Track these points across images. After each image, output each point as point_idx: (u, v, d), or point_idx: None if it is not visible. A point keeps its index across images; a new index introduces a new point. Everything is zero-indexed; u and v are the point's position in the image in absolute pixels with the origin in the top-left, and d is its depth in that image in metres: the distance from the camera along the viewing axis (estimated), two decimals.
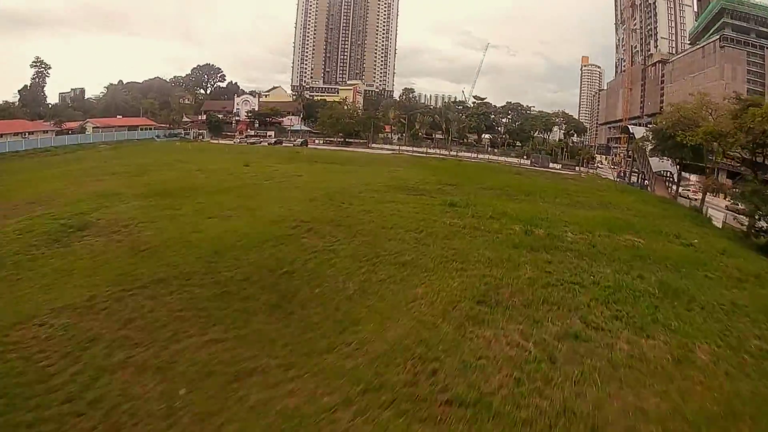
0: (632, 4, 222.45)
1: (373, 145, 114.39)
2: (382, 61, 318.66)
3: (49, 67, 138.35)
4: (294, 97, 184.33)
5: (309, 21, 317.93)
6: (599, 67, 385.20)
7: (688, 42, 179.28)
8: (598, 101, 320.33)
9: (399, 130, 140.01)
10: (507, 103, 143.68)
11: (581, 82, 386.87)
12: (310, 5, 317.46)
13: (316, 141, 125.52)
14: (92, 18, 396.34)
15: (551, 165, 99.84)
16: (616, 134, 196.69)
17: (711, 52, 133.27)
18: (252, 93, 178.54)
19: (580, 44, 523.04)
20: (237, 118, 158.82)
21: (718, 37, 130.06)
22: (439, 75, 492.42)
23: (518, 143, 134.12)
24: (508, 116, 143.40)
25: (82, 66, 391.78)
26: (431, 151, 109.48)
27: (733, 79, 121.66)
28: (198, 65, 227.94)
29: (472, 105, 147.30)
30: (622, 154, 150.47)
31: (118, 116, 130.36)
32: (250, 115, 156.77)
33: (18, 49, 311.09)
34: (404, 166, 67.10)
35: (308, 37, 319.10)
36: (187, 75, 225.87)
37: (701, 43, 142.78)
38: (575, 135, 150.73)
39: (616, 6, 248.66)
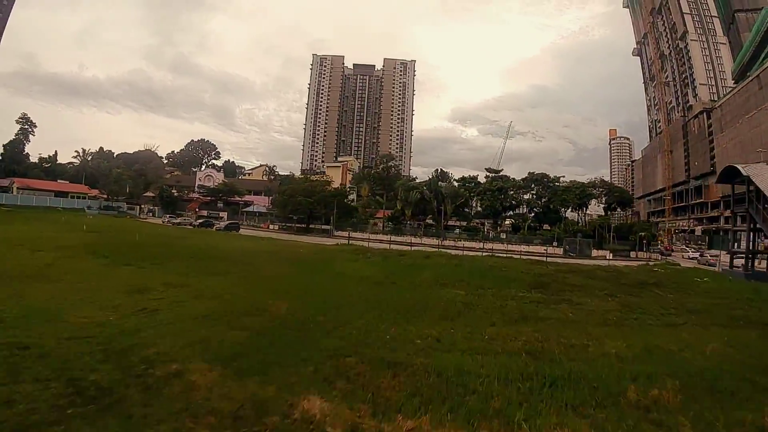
0: (660, 54, 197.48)
1: (339, 233, 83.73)
2: (397, 144, 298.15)
3: (35, 126, 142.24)
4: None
5: (321, 102, 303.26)
6: (628, 139, 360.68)
7: (732, 82, 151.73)
8: (632, 174, 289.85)
9: (373, 211, 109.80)
10: (529, 174, 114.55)
11: (611, 157, 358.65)
12: (322, 87, 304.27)
13: (273, 226, 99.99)
14: (136, 95, 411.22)
15: (593, 252, 69.46)
16: (658, 207, 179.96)
17: None
18: (216, 167, 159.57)
19: (603, 124, 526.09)
20: (194, 194, 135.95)
21: None
22: (469, 164, 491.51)
23: (546, 225, 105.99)
24: (531, 191, 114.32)
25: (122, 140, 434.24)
26: (420, 241, 75.25)
27: None
28: (192, 140, 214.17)
29: (486, 179, 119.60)
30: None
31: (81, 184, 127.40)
32: (201, 192, 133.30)
33: (61, 115, 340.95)
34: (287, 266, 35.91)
35: (320, 118, 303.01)
36: (181, 150, 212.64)
37: (753, 73, 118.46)
38: (619, 208, 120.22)
39: (642, 63, 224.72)
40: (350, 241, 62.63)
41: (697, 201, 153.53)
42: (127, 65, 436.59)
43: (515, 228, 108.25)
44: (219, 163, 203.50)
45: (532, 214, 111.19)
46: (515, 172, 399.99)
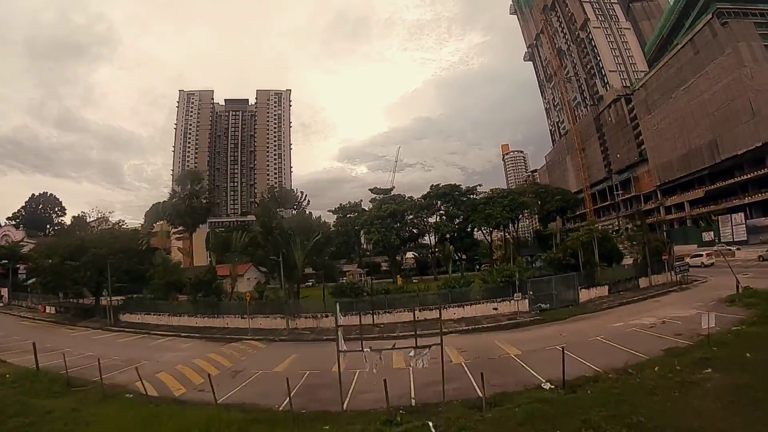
0: (558, 51, 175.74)
1: (127, 320, 46.07)
2: (276, 183, 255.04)
3: None
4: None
5: (189, 144, 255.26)
6: (522, 152, 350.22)
7: (646, 65, 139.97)
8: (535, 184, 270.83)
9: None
10: (432, 188, 78.81)
11: (506, 173, 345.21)
12: (190, 126, 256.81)
13: (49, 308, 59.07)
14: (22, 155, 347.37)
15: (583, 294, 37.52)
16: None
17: (709, 39, 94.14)
18: (16, 224, 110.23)
19: (489, 146, 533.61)
20: None
21: (710, 17, 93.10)
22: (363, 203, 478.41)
23: (463, 257, 71.73)
24: (439, 212, 78.60)
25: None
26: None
27: (755, 61, 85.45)
28: (33, 194, 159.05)
29: (372, 204, 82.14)
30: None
31: None
32: None
33: None
34: None
35: (188, 162, 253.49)
36: (21, 207, 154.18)
37: (682, 40, 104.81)
38: (558, 216, 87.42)
39: (536, 66, 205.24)
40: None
41: (627, 196, 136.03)
42: (11, 122, 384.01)
43: (421, 266, 71.66)
44: (66, 220, 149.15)
45: (447, 241, 74.82)
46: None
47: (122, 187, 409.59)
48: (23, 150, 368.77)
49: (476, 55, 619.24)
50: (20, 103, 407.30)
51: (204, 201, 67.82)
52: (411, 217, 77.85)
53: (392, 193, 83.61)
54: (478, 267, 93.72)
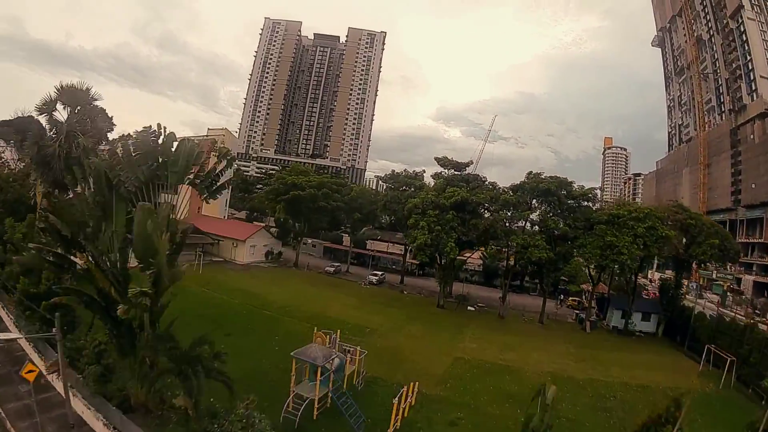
0: (697, 40, 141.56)
1: None
2: (353, 130, 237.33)
3: None
4: None
5: (267, 75, 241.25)
6: (625, 150, 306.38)
7: None
8: (632, 189, 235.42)
9: None
10: (529, 176, 53.73)
11: (604, 168, 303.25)
12: (271, 56, 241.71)
13: None
14: (121, 69, 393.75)
15: None
16: None
17: None
18: None
19: (587, 136, 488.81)
20: None
21: None
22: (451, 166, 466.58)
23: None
24: (534, 212, 55.44)
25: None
26: None
27: None
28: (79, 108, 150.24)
29: (434, 179, 61.17)
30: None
31: None
32: None
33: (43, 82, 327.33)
34: None
35: (263, 94, 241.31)
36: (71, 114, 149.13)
37: None
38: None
39: (665, 54, 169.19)
40: None
41: (753, 240, 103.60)
42: (114, 37, 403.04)
43: (489, 274, 51.25)
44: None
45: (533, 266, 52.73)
46: (496, 177, 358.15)
47: (216, 110, 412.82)
48: (122, 65, 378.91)
49: (590, 39, 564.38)
50: (124, 21, 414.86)
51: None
52: (487, 215, 56.10)
53: (468, 170, 61.91)
54: (560, 297, 71.74)
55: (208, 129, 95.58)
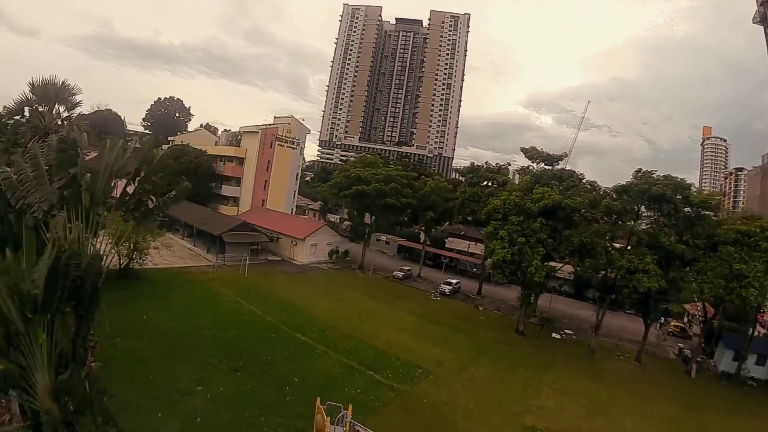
0: None
1: None
2: (440, 117, 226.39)
3: None
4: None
5: (349, 62, 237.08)
6: (725, 141, 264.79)
7: None
8: (733, 185, 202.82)
9: None
10: (637, 174, 42.02)
11: (702, 160, 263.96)
12: (352, 43, 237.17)
13: None
14: (210, 62, 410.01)
15: None
16: None
17: None
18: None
19: (683, 125, 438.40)
20: None
21: None
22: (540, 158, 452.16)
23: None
24: (582, 216, 43.50)
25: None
26: None
27: None
28: (159, 98, 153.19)
29: (520, 174, 50.23)
30: None
31: None
32: None
33: (136, 77, 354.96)
34: None
35: (346, 81, 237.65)
36: (148, 110, 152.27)
37: None
38: None
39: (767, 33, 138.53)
40: None
41: None
42: (202, 32, 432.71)
43: (580, 286, 55.34)
44: (190, 127, 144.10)
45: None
46: (585, 168, 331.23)
47: (306, 99, 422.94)
48: (211, 58, 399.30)
49: (682, 20, 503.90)
50: (210, 16, 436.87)
51: None
52: (585, 224, 43.74)
53: (561, 165, 50.25)
54: (661, 320, 57.90)
55: (275, 117, 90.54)
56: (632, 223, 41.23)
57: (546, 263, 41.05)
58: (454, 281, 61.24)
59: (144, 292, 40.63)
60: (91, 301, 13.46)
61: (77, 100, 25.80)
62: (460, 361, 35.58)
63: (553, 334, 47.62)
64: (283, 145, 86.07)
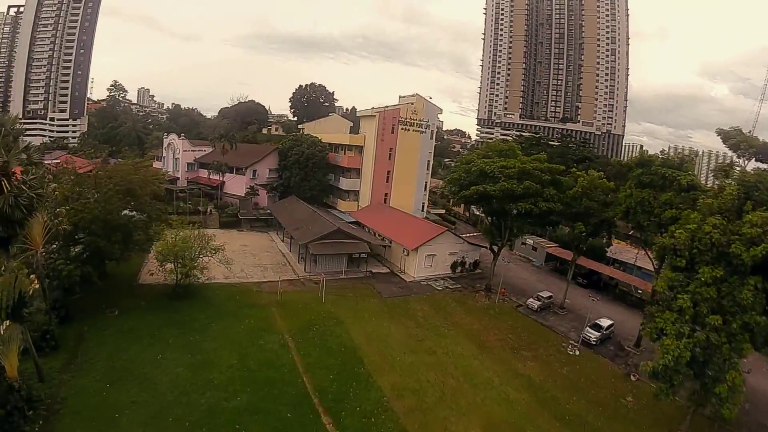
0: None
1: None
2: (606, 91, 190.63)
3: (126, 92, 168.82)
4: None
5: (502, 32, 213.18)
6: None
7: None
8: None
9: None
10: None
11: None
12: (503, 10, 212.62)
13: None
14: (371, 46, 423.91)
15: None
16: None
17: None
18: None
19: None
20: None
21: None
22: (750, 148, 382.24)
23: None
24: None
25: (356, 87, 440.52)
26: None
27: None
28: (300, 85, 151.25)
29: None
30: None
31: None
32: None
33: (298, 67, 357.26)
34: None
35: (500, 53, 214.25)
36: (290, 97, 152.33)
37: None
38: None
39: None
40: None
41: None
42: (359, 19, 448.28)
43: None
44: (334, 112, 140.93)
45: None
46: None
47: (470, 76, 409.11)
48: (371, 43, 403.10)
49: None
50: (365, 3, 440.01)
51: None
52: None
53: None
54: None
55: (400, 97, 77.04)
56: None
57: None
58: (606, 324, 42.29)
59: (182, 320, 34.27)
60: None
61: None
62: None
63: None
64: (408, 129, 72.72)
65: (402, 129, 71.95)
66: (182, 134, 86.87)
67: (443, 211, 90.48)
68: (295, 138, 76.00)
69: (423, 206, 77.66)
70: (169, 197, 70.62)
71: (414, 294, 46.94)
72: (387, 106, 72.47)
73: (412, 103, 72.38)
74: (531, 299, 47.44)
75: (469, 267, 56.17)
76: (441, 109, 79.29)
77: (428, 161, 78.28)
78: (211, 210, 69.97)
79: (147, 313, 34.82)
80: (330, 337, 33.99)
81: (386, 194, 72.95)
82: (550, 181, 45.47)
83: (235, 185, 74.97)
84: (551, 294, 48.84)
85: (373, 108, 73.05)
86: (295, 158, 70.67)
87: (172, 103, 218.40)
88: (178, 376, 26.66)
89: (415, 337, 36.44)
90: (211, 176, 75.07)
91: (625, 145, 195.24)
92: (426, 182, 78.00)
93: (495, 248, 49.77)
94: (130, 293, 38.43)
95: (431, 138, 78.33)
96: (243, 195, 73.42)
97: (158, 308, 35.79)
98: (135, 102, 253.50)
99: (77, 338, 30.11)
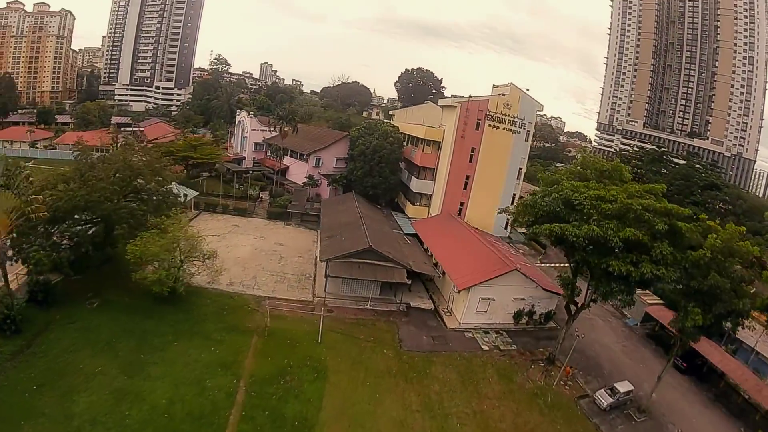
0: None
1: None
2: (739, 108, 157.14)
3: (229, 65, 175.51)
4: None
5: (629, 30, 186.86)
6: None
7: None
8: None
9: None
10: None
11: None
12: (630, 6, 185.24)
13: None
14: (496, 38, 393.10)
15: None
16: None
17: None
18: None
19: None
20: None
21: None
22: None
23: None
24: None
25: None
26: None
27: None
28: (407, 69, 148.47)
29: None
30: None
31: None
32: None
33: (423, 53, 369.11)
34: None
35: (627, 53, 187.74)
36: (396, 81, 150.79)
37: None
38: None
39: None
40: None
41: None
42: (485, 9, 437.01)
43: None
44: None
45: None
46: None
47: (596, 77, 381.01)
48: (498, 34, 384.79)
49: None
50: None
51: None
52: None
53: None
54: None
55: (493, 86, 64.23)
56: None
57: None
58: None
59: (147, 330, 31.17)
60: None
61: None
62: None
63: None
64: (497, 127, 60.13)
65: (489, 126, 59.34)
66: (251, 112, 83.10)
67: None
68: (367, 126, 67.49)
69: (506, 224, 64.38)
70: (230, 177, 66.37)
71: (447, 350, 35.66)
72: (471, 96, 60.34)
73: (504, 95, 59.35)
74: (602, 390, 33.14)
75: (538, 319, 43.66)
76: (542, 105, 64.38)
77: (520, 168, 64.60)
78: (262, 197, 64.35)
79: (121, 313, 31.66)
80: (293, 400, 25.97)
81: (462, 204, 61.49)
82: (663, 232, 31.44)
83: (296, 172, 68.74)
84: (632, 388, 33.38)
85: (452, 96, 61.04)
86: (360, 149, 62.30)
87: (272, 81, 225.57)
88: (98, 401, 24.03)
89: (409, 427, 26.25)
90: (277, 160, 69.84)
91: (755, 172, 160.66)
92: (515, 194, 64.03)
93: (572, 307, 36.82)
94: (122, 286, 34.30)
95: (526, 140, 64.37)
96: (301, 184, 66.93)
97: (135, 310, 32.69)
98: (256, 76, 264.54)
99: (44, 326, 29.15)
